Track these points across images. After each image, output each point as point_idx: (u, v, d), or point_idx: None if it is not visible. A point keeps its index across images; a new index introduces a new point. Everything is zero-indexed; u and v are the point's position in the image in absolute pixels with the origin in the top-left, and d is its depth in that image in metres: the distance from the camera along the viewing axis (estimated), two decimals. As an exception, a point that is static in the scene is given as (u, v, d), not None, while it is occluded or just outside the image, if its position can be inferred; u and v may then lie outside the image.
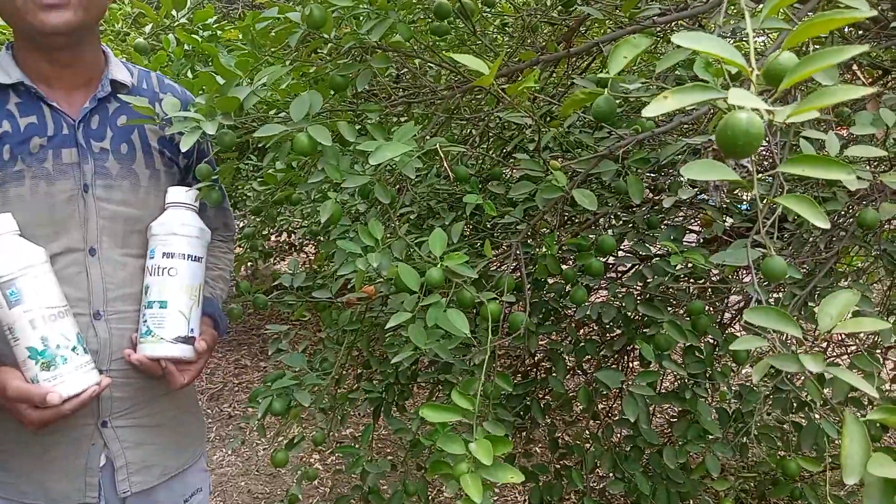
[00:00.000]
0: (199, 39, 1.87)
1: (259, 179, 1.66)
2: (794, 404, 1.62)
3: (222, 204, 1.43)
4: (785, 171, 0.66)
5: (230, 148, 1.13)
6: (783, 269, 0.70)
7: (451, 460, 1.00)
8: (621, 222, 1.74)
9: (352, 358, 2.02)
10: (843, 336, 1.79)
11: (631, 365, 2.34)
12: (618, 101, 1.01)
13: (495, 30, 1.91)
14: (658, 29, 1.26)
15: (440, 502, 2.84)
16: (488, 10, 1.81)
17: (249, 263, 5.02)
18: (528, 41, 1.76)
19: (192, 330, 1.16)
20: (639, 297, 1.55)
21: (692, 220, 1.87)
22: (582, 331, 2.15)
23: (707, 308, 1.46)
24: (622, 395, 2.38)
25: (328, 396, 1.78)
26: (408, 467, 1.80)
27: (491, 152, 2.26)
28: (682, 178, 1.66)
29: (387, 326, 1.04)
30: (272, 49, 1.20)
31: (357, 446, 1.70)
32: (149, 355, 1.13)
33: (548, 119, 1.49)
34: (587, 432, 2.04)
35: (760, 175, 0.68)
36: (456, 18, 1.54)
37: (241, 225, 2.86)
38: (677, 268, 1.50)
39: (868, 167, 1.08)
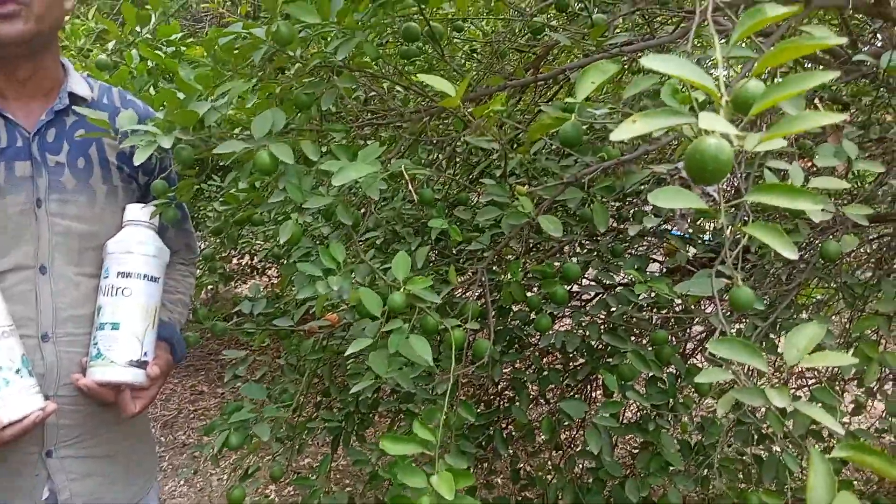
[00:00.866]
0: (163, 55, 1.84)
1: (220, 200, 1.62)
2: (756, 437, 1.62)
3: (184, 225, 1.38)
4: (752, 199, 0.65)
5: (189, 164, 1.10)
6: (750, 300, 0.69)
7: (412, 493, 0.96)
8: (586, 250, 1.74)
9: (312, 386, 1.97)
10: (803, 368, 1.81)
11: (594, 395, 2.33)
12: (584, 128, 1.01)
13: (464, 55, 1.91)
14: (625, 57, 1.27)
15: (399, 535, 2.77)
16: (457, 34, 1.81)
17: (210, 287, 4.92)
18: (496, 67, 1.77)
19: (145, 353, 1.11)
20: (602, 326, 1.54)
21: (656, 250, 1.88)
22: (546, 359, 2.14)
23: (670, 338, 1.45)
24: (585, 426, 2.37)
25: (286, 426, 1.72)
26: (367, 500, 1.74)
27: (458, 177, 2.26)
28: (646, 208, 1.67)
29: (347, 353, 1.00)
30: (236, 66, 1.17)
31: (314, 477, 1.65)
32: (98, 380, 1.08)
33: (515, 145, 1.49)
34: (549, 464, 2.01)
35: (727, 204, 0.67)
36: (425, 42, 1.53)
37: (202, 246, 2.80)
38: (641, 297, 1.50)
39: (830, 199, 1.09)
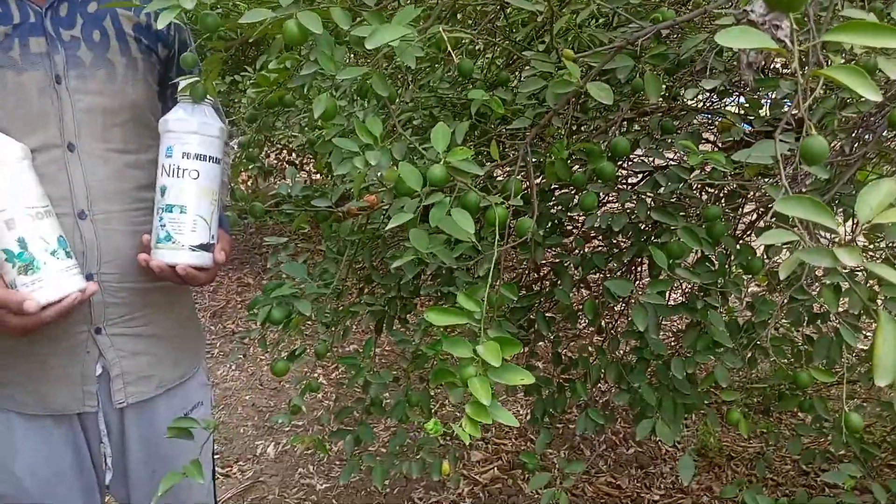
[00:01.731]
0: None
1: (252, 83, 1.57)
2: (806, 317, 1.58)
3: (213, 103, 1.35)
4: (830, 38, 0.58)
5: (214, 31, 1.04)
6: (824, 149, 0.63)
7: (458, 364, 0.96)
8: (634, 129, 1.66)
9: (353, 271, 1.97)
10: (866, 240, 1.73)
11: (639, 277, 2.30)
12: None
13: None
14: None
15: (442, 415, 2.87)
16: None
17: (250, 181, 4.95)
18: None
19: (212, 237, 1.11)
20: (651, 205, 1.48)
21: (708, 128, 1.78)
22: (589, 245, 2.10)
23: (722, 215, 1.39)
24: (628, 311, 2.35)
25: (329, 310, 1.74)
26: (410, 379, 1.78)
27: (498, 59, 2.15)
28: (699, 81, 1.56)
29: (387, 227, 0.98)
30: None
31: (359, 359, 1.68)
32: (169, 262, 1.08)
33: (560, 8, 1.39)
34: (591, 347, 2.01)
35: (803, 46, 0.60)
36: None
37: (238, 136, 2.78)
38: (693, 174, 1.43)
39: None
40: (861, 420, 1.21)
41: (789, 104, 1.62)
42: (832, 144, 1.39)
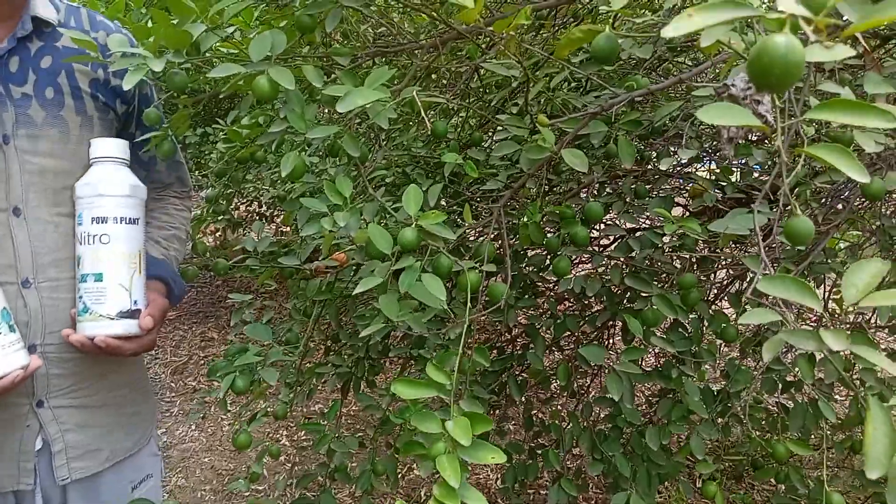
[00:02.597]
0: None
1: (223, 137, 1.54)
2: (780, 385, 1.56)
3: (175, 157, 1.30)
4: (814, 116, 0.57)
5: (182, 90, 1.01)
6: (809, 230, 0.61)
7: (426, 439, 0.91)
8: (607, 192, 1.65)
9: (320, 330, 1.92)
10: (839, 313, 1.73)
11: (612, 342, 2.27)
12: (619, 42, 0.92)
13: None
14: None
15: (410, 480, 2.78)
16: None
17: (218, 233, 4.87)
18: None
19: (135, 302, 1.04)
20: (624, 270, 1.46)
21: (680, 192, 1.79)
22: (561, 306, 2.08)
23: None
24: (601, 373, 2.32)
25: (294, 371, 1.68)
26: (377, 445, 1.71)
27: (472, 115, 2.16)
28: (672, 148, 1.57)
29: (355, 292, 0.94)
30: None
31: (324, 423, 1.61)
32: (88, 335, 1.01)
33: (534, 74, 1.39)
34: (564, 411, 1.97)
35: (785, 123, 0.59)
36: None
37: (207, 190, 2.73)
38: (667, 239, 1.42)
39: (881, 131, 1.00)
40: (842, 499, 1.18)
41: (758, 168, 1.64)
42: (804, 212, 1.39)
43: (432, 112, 1.26)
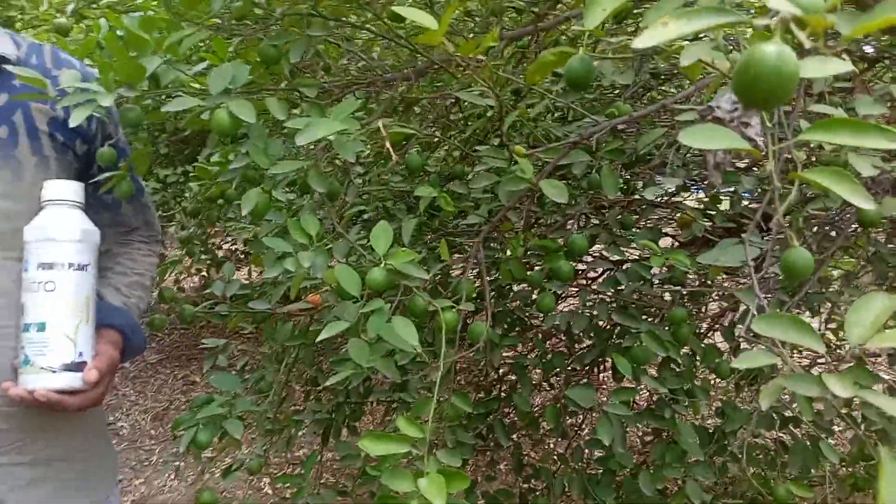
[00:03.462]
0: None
1: (193, 175, 1.48)
2: (778, 421, 1.49)
3: (140, 199, 1.24)
4: (809, 137, 0.52)
5: (136, 126, 0.96)
6: (809, 264, 0.55)
7: (401, 497, 0.84)
8: (591, 224, 1.60)
9: (299, 375, 1.83)
10: (835, 344, 1.67)
11: (601, 379, 2.20)
12: (594, 81, 0.87)
13: (460, 13, 1.76)
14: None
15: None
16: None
17: (202, 273, 4.79)
18: (492, 27, 1.62)
19: (80, 354, 0.96)
20: (612, 305, 1.40)
21: (668, 222, 1.74)
22: (549, 342, 2.01)
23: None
24: (593, 412, 2.24)
25: (269, 419, 1.60)
26: (358, 495, 1.62)
27: (453, 151, 2.11)
28: (658, 178, 1.53)
29: (318, 338, 0.87)
30: (194, 17, 1.03)
31: (301, 473, 1.53)
32: (28, 388, 0.94)
33: (514, 104, 1.35)
34: (555, 453, 1.89)
35: (776, 146, 0.54)
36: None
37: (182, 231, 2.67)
38: (653, 272, 1.36)
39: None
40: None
41: (748, 195, 1.58)
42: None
43: (405, 144, 1.21)
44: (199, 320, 4.84)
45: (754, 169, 1.46)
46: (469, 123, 1.79)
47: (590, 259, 1.84)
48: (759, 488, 1.39)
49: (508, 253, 1.28)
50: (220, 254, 4.05)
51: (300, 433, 1.61)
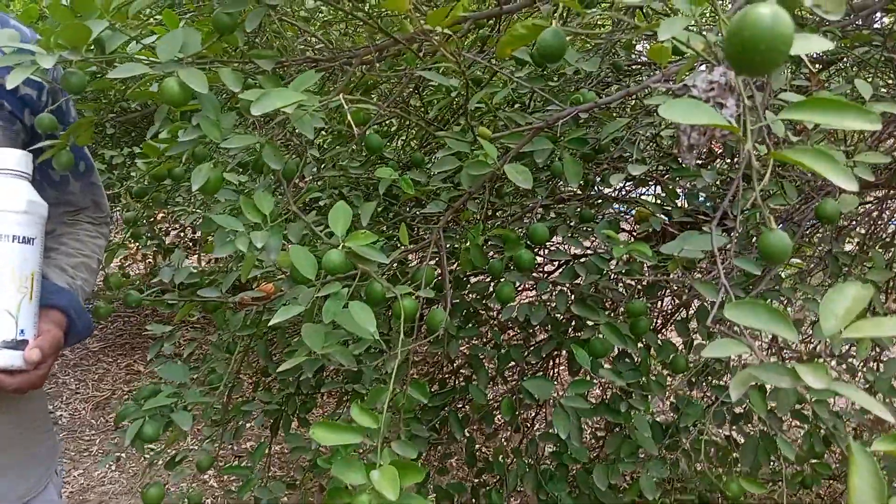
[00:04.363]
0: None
1: (140, 153, 1.41)
2: (729, 418, 1.50)
3: (90, 178, 1.17)
4: (789, 117, 0.50)
5: (79, 92, 0.89)
6: (787, 247, 0.54)
7: (351, 490, 0.80)
8: (551, 215, 1.58)
9: (249, 364, 1.78)
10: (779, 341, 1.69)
11: (557, 371, 2.19)
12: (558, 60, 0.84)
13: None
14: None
15: (347, 521, 2.61)
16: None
17: (148, 259, 4.64)
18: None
19: (21, 332, 0.90)
20: (570, 297, 1.39)
21: (625, 217, 1.73)
22: (505, 335, 1.99)
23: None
24: (547, 405, 2.23)
25: (219, 409, 1.54)
26: (308, 488, 1.58)
27: (413, 140, 2.08)
28: (621, 166, 1.52)
29: (271, 322, 0.82)
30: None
31: (249, 466, 1.47)
32: None
33: (475, 92, 1.32)
34: (508, 447, 1.87)
35: (755, 125, 0.52)
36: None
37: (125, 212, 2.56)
38: (613, 264, 1.35)
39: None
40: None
41: (703, 197, 1.59)
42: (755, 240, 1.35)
43: (365, 126, 1.17)
44: (145, 308, 4.70)
45: (714, 162, 1.47)
46: (429, 111, 1.76)
47: (548, 252, 1.83)
48: (711, 483, 1.40)
49: (468, 242, 1.26)
50: (168, 240, 3.92)
51: (248, 425, 1.55)
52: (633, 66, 1.63)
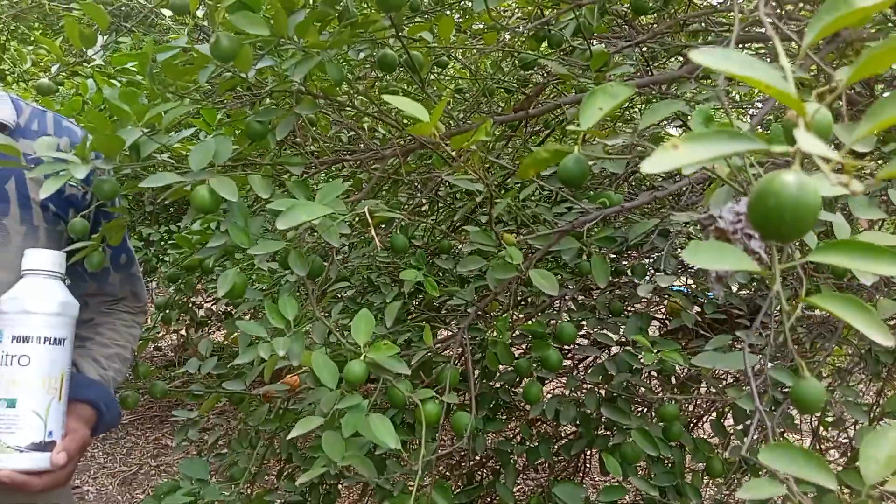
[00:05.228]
0: (119, 84, 1.67)
1: (172, 243, 1.44)
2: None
3: (130, 270, 1.20)
4: (818, 259, 0.48)
5: (111, 198, 0.92)
6: (820, 395, 0.51)
7: None
8: (580, 306, 1.56)
9: (272, 451, 1.75)
10: (825, 438, 1.62)
11: (588, 466, 2.12)
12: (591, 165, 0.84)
13: (448, 93, 1.76)
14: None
15: None
16: (440, 70, 1.67)
17: (181, 332, 4.68)
18: (483, 105, 1.62)
19: (50, 433, 0.91)
20: (601, 396, 1.35)
21: (656, 307, 1.70)
22: (535, 427, 1.94)
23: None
24: None
25: (241, 499, 1.51)
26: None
27: (439, 223, 2.09)
28: (646, 262, 1.50)
29: (290, 435, 0.81)
30: (179, 89, 1.00)
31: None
32: None
33: (503, 190, 1.33)
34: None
35: (783, 264, 0.50)
36: (405, 75, 1.38)
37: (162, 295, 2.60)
38: (645, 363, 1.32)
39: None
40: None
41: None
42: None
43: (390, 224, 1.18)
44: (174, 380, 4.70)
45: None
46: (458, 198, 1.77)
47: (579, 341, 1.80)
48: None
49: (495, 335, 1.24)
50: (201, 313, 3.96)
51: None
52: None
